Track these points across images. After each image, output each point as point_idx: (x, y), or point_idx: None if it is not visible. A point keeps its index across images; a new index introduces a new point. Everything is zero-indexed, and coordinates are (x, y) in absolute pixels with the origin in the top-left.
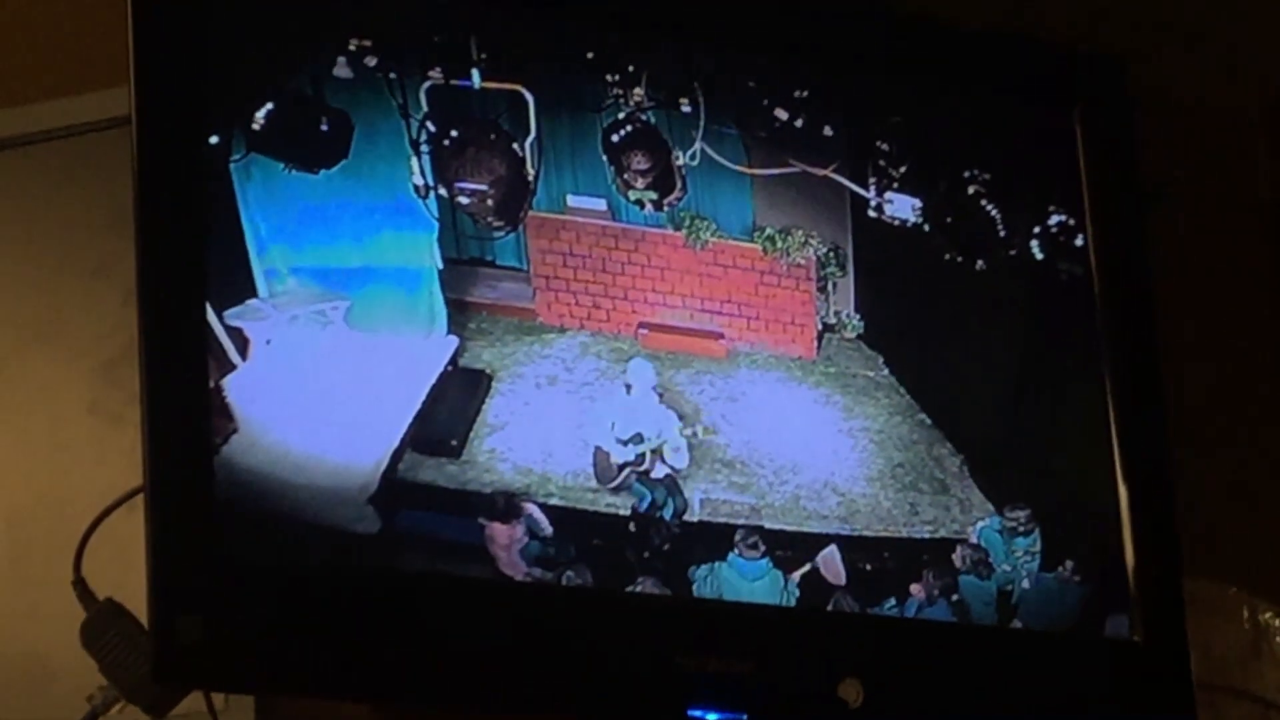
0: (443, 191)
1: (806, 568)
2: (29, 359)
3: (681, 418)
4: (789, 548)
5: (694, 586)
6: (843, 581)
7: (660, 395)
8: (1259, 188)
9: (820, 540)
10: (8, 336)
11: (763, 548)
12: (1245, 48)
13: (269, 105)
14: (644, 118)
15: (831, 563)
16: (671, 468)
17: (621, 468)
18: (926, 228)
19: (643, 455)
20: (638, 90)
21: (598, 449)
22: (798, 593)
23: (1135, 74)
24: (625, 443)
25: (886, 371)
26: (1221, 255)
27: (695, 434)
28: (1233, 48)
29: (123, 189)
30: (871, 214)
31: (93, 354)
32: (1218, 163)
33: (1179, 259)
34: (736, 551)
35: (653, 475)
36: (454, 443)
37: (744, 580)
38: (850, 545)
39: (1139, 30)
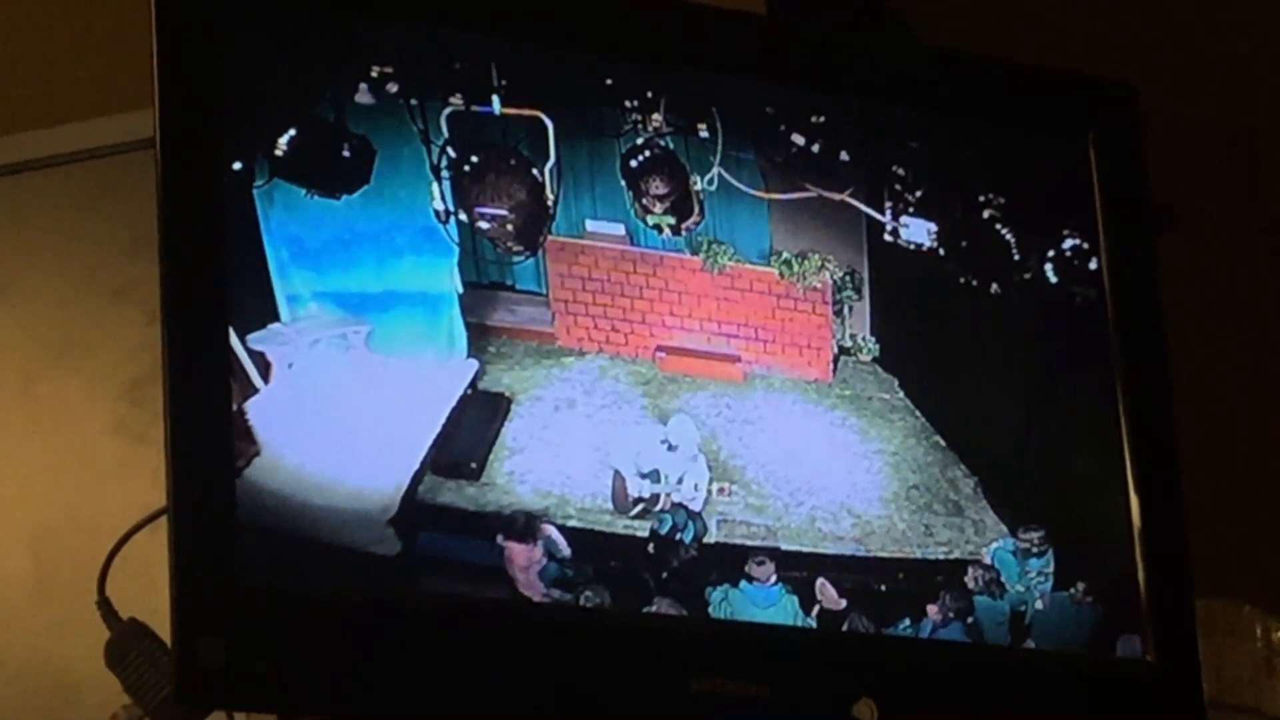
0: (463, 217)
1: (819, 604)
2: (53, 379)
3: (712, 472)
4: (803, 569)
5: (710, 608)
6: (841, 606)
7: (700, 451)
8: (1269, 207)
9: (833, 562)
10: (32, 357)
11: (774, 572)
12: (1255, 69)
13: (291, 131)
14: (662, 143)
15: (827, 590)
16: (685, 503)
17: (636, 501)
18: (942, 252)
19: (657, 496)
20: (656, 116)
21: (616, 473)
22: (815, 624)
23: (1146, 95)
24: (644, 476)
25: (902, 394)
26: (1231, 274)
27: (711, 493)
28: (1242, 69)
29: (146, 210)
30: (887, 238)
31: (117, 374)
32: (1228, 183)
33: (1188, 279)
34: (748, 576)
35: (672, 502)
36: (473, 465)
37: (758, 608)
38: (863, 566)
39: (1150, 52)
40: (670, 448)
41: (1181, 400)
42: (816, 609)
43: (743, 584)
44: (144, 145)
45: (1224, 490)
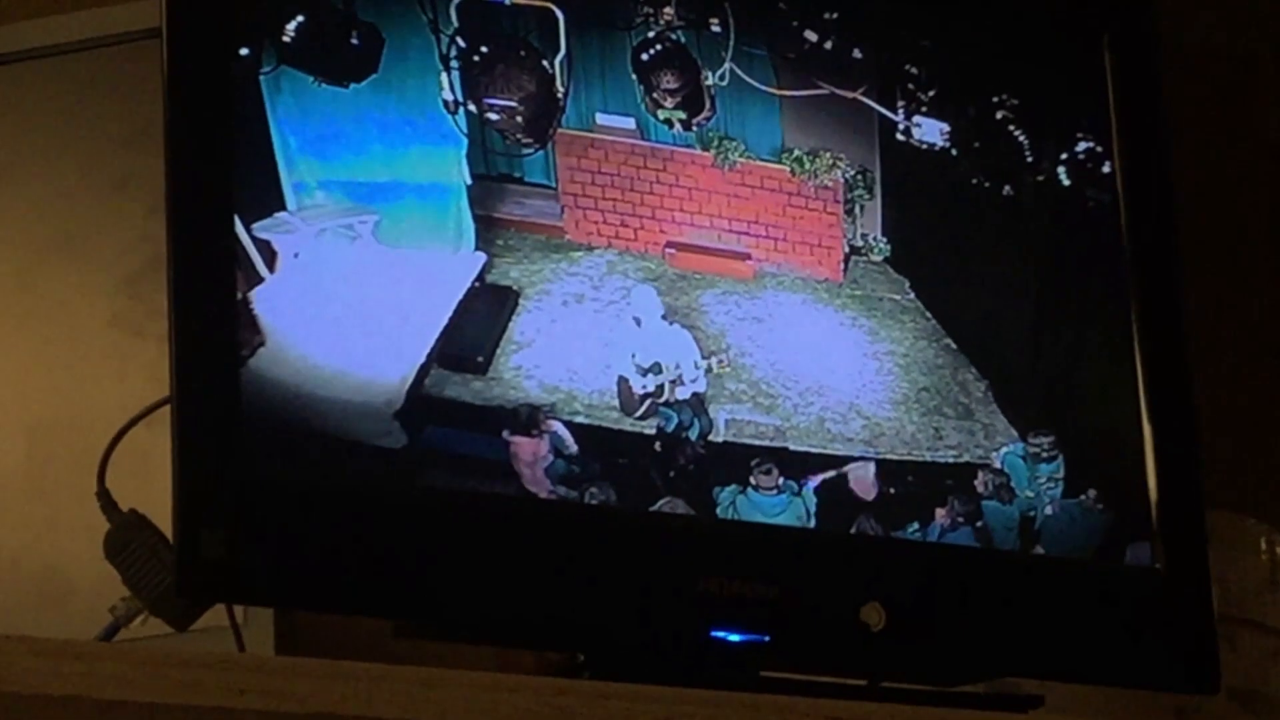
0: (472, 107)
1: (832, 473)
2: (50, 273)
3: (700, 345)
4: (812, 471)
5: (718, 509)
6: (871, 497)
7: (672, 321)
8: (1268, 130)
9: (842, 463)
10: (29, 251)
11: (779, 477)
12: None
13: (300, 17)
14: (674, 37)
15: (863, 480)
16: (693, 391)
17: (643, 399)
18: (954, 152)
19: (661, 387)
20: (668, 9)
21: (621, 378)
22: (815, 500)
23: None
24: (645, 372)
25: (912, 295)
26: (1231, 197)
27: (710, 366)
28: None
29: (147, 102)
30: (900, 137)
31: (114, 268)
32: (1226, 105)
33: (1188, 200)
34: (753, 482)
35: (677, 398)
36: (480, 359)
37: (763, 515)
38: (875, 468)
39: None
40: (636, 322)
41: (1190, 313)
42: (830, 481)
43: (749, 491)
44: (146, 35)
45: (1232, 402)
